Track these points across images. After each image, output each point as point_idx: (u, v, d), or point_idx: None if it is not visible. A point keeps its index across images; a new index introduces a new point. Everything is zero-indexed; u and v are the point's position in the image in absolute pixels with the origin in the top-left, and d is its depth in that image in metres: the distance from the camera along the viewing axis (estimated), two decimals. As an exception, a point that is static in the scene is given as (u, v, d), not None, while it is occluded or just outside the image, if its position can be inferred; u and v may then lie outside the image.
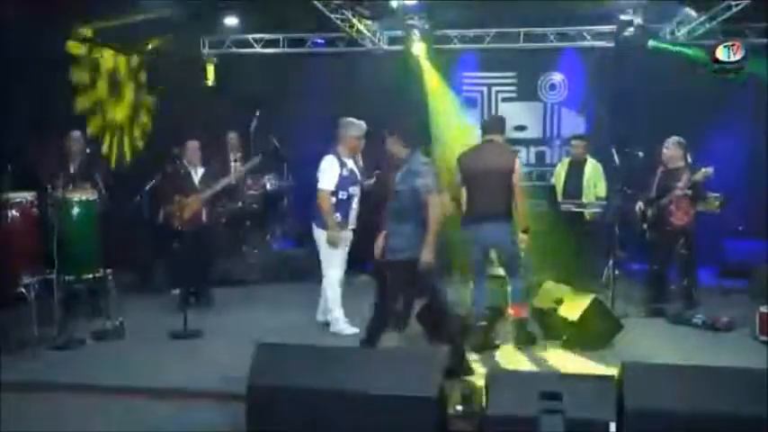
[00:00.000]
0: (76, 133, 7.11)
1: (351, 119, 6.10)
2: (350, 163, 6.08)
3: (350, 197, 6.02)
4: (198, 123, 7.91)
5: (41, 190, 6.27)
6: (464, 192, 5.86)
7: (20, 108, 7.24)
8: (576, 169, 8.00)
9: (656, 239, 7.19)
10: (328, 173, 5.92)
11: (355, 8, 8.18)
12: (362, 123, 6.12)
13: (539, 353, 5.64)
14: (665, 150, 7.11)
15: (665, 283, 7.28)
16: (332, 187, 5.92)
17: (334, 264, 6.05)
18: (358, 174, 6.14)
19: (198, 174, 7.33)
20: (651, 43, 8.59)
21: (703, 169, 6.78)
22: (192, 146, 7.32)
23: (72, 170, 6.90)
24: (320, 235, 6.01)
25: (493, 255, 6.06)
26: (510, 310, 5.88)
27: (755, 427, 3.57)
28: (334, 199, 5.92)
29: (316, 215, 6.03)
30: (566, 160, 8.34)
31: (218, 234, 7.96)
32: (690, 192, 6.87)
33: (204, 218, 7.29)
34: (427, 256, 4.92)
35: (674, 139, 7.14)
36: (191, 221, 7.03)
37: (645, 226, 7.22)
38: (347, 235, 6.11)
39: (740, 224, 8.26)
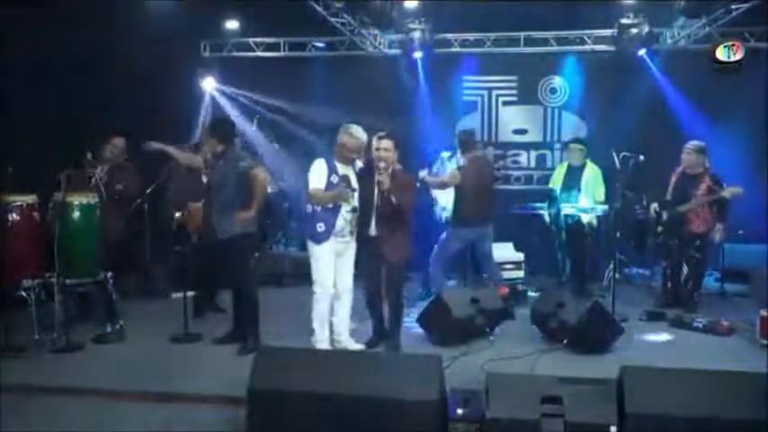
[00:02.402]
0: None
1: (349, 124, 5.71)
2: (343, 169, 5.64)
3: (336, 207, 5.57)
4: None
5: (42, 193, 6.29)
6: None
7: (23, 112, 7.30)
8: (573, 173, 7.99)
9: (671, 244, 7.16)
10: (315, 175, 5.56)
11: (356, 14, 8.20)
12: (358, 130, 5.65)
13: (539, 356, 5.64)
14: (684, 155, 7.06)
15: (677, 287, 7.25)
16: (322, 187, 5.54)
17: (319, 278, 5.63)
18: (353, 182, 5.68)
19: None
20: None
21: (732, 188, 6.79)
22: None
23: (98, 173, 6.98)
24: (311, 248, 5.65)
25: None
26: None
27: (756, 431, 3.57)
28: (319, 208, 5.56)
29: (307, 228, 5.69)
30: (564, 164, 8.32)
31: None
32: (710, 199, 6.87)
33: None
34: (245, 215, 5.72)
35: (694, 143, 7.09)
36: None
37: (659, 229, 7.19)
38: (338, 247, 5.63)
39: (740, 228, 8.26)
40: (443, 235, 7.10)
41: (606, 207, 7.53)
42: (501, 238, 7.78)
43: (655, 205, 7.23)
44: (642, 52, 8.73)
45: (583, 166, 7.95)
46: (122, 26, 7.74)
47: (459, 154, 7.26)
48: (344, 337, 5.79)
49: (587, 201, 7.82)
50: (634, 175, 7.00)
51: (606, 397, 3.82)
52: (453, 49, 9.53)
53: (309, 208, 5.61)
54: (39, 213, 6.22)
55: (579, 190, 7.87)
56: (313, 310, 5.66)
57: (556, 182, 8.14)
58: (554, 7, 8.30)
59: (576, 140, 8.35)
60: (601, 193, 7.85)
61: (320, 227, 5.54)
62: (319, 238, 5.57)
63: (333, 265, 5.64)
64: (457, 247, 7.11)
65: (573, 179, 7.96)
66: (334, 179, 5.55)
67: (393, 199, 5.48)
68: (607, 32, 9.01)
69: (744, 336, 6.17)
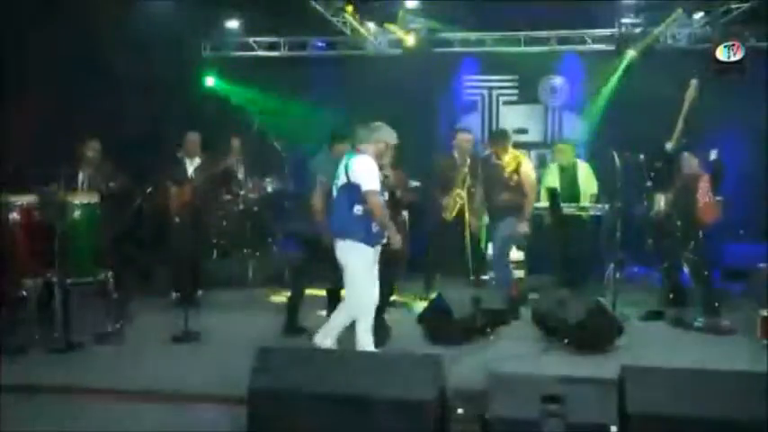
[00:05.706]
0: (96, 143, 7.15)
1: (382, 123, 5.36)
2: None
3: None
4: (199, 127, 7.91)
5: (43, 192, 6.29)
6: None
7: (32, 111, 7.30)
8: (567, 173, 7.99)
9: (668, 243, 7.12)
10: (373, 173, 5.08)
11: (356, 14, 8.21)
12: (394, 133, 5.37)
13: (540, 355, 5.64)
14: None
15: (683, 287, 7.22)
16: (378, 188, 5.14)
17: (360, 287, 5.13)
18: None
19: (193, 164, 7.51)
20: None
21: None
22: (192, 137, 7.55)
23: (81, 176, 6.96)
24: (359, 251, 5.09)
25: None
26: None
27: (756, 431, 3.57)
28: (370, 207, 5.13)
29: (354, 230, 5.09)
30: (554, 165, 8.25)
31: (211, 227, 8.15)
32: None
33: (197, 206, 7.45)
34: None
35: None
36: (182, 210, 7.21)
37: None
38: (377, 251, 5.26)
39: (740, 228, 8.25)
40: (504, 233, 7.13)
41: (606, 206, 7.53)
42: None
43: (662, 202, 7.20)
44: (642, 52, 8.73)
45: (574, 165, 7.96)
46: (122, 26, 7.75)
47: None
48: (329, 342, 5.29)
49: (585, 199, 7.84)
50: (634, 174, 7.00)
51: (607, 396, 3.82)
52: (453, 49, 9.52)
53: (359, 209, 5.07)
54: (39, 213, 6.22)
55: (577, 189, 7.88)
56: (335, 321, 5.28)
57: (549, 183, 8.12)
58: (554, 7, 8.31)
59: (563, 140, 8.36)
60: (594, 187, 7.87)
61: (375, 227, 5.12)
62: (374, 240, 5.15)
63: (372, 271, 5.23)
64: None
65: (568, 178, 7.96)
66: (382, 178, 5.27)
67: (398, 194, 5.46)
68: (607, 32, 9.02)
69: (744, 336, 6.17)
